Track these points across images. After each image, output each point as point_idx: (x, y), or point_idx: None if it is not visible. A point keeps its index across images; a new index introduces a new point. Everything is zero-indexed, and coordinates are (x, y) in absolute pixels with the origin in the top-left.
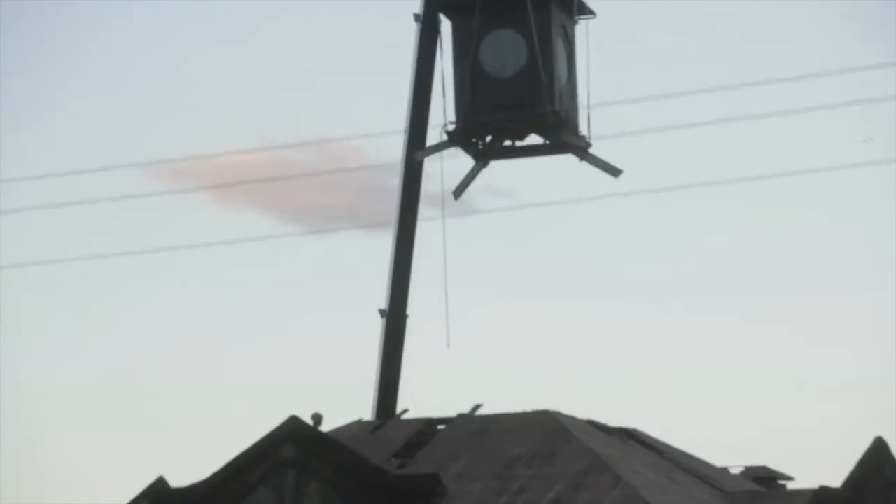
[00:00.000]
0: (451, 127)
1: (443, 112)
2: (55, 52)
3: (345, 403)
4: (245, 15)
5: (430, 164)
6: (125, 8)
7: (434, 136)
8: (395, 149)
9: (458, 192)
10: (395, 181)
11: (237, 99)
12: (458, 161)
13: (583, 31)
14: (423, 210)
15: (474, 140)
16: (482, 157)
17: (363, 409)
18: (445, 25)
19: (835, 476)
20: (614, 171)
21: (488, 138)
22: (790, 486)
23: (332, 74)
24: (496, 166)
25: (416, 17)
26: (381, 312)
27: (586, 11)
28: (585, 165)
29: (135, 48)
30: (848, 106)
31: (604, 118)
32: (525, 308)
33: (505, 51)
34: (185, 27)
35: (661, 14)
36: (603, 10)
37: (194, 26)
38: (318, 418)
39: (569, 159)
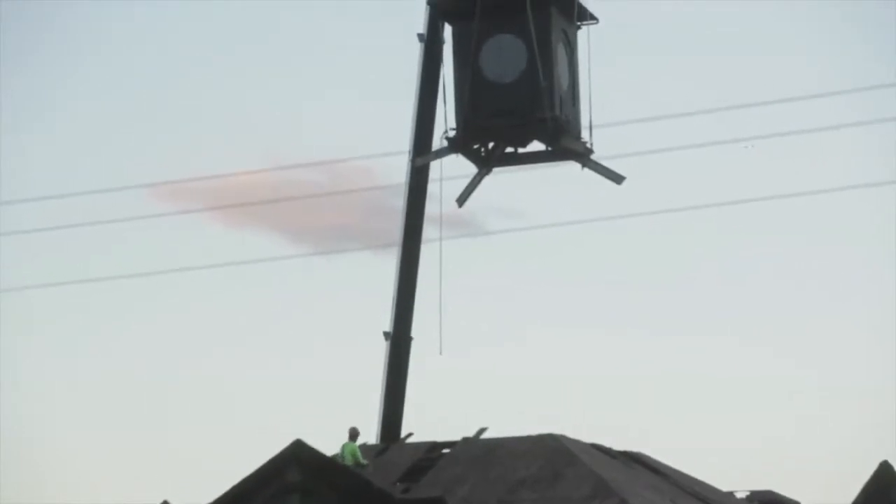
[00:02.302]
0: (451, 133)
1: (444, 121)
2: (60, 74)
3: (349, 427)
4: (252, 37)
5: (433, 186)
6: (131, 29)
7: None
8: (403, 169)
9: (462, 199)
10: (402, 201)
11: (244, 119)
12: (461, 182)
13: (585, 36)
14: (429, 232)
15: (476, 147)
16: (484, 165)
17: (368, 432)
18: (448, 37)
19: (840, 500)
20: (617, 178)
21: (490, 145)
22: None
23: (339, 96)
24: (504, 188)
25: (420, 37)
26: (386, 335)
27: (588, 17)
28: (590, 185)
29: (141, 69)
30: (847, 128)
31: (608, 138)
32: (531, 330)
33: (505, 56)
34: (192, 49)
35: (665, 34)
36: (608, 28)
37: (201, 48)
38: (354, 433)
39: (575, 179)
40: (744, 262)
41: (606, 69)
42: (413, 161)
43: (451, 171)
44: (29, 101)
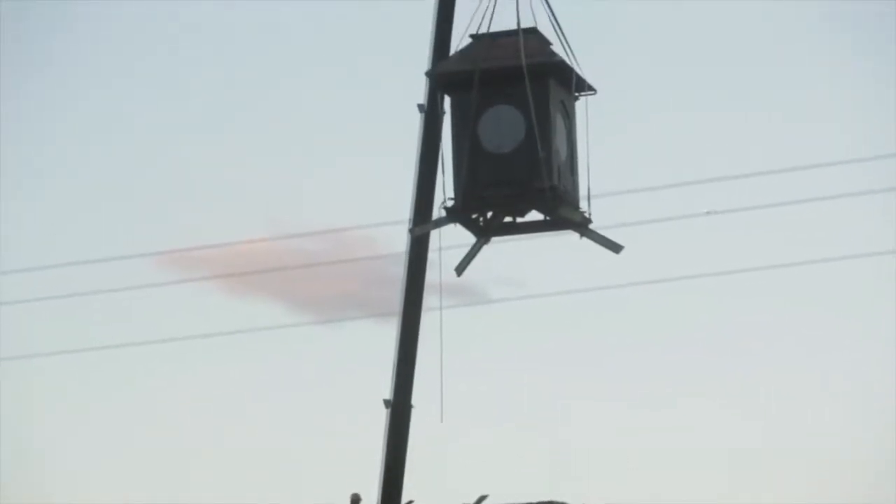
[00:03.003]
0: (449, 203)
1: (443, 190)
2: (61, 141)
3: (350, 493)
4: (254, 105)
5: (433, 255)
6: (133, 96)
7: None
8: (404, 238)
9: (460, 268)
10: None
11: (245, 188)
12: (463, 251)
13: (583, 107)
14: (430, 301)
15: (475, 216)
16: (483, 234)
17: (368, 500)
18: (448, 108)
19: None
20: (615, 248)
21: (488, 215)
22: None
23: (341, 164)
24: (507, 256)
25: (420, 107)
26: (386, 403)
27: (586, 88)
28: (591, 254)
29: (143, 137)
30: (848, 197)
31: (606, 208)
32: (533, 397)
33: (503, 126)
34: (193, 115)
35: (664, 104)
36: (606, 99)
37: (202, 115)
38: (356, 499)
39: (576, 248)
40: (745, 331)
41: (605, 139)
42: (412, 231)
43: (452, 240)
44: (31, 169)
